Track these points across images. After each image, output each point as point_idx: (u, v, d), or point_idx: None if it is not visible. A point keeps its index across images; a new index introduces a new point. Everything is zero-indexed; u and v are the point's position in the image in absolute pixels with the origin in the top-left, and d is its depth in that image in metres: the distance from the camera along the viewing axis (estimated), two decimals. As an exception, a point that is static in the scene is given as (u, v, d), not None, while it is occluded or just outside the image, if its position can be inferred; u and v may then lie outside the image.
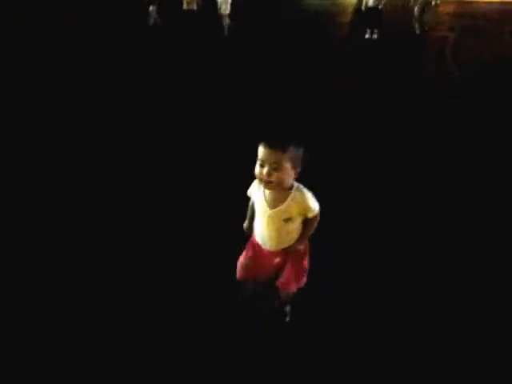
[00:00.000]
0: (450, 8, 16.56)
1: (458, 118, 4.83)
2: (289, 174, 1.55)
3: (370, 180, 3.50)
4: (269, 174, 1.52)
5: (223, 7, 10.45)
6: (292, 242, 1.76)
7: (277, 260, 1.83)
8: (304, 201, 1.64)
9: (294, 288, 1.91)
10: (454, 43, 9.66)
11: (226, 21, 10.51)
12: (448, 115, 4.97)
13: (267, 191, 1.65)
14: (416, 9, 10.36)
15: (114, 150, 4.01)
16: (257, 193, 1.71)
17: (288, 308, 2.06)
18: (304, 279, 1.90)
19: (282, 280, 1.89)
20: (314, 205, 1.67)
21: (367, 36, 9.89)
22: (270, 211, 1.65)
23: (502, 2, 19.51)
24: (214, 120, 4.81)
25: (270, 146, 1.51)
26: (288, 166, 1.52)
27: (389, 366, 1.83)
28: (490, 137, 4.36)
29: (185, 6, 10.55)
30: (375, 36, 9.86)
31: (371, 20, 9.69)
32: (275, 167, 1.51)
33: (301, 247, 1.80)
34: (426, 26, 10.43)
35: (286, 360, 1.87)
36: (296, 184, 1.65)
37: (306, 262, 1.88)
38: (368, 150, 4.07)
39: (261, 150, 1.53)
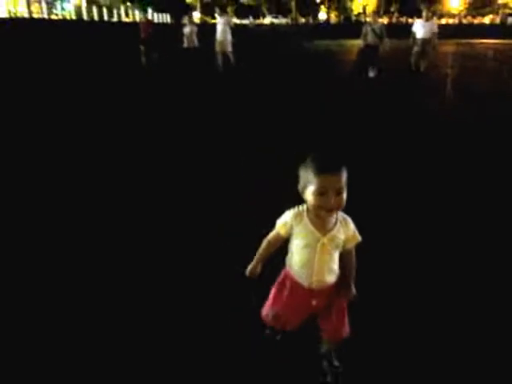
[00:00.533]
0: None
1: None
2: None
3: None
4: (335, 200, 1.44)
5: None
6: (334, 277, 1.66)
7: (314, 302, 1.68)
8: (350, 226, 1.59)
9: (343, 334, 1.73)
10: (453, 80, 10.28)
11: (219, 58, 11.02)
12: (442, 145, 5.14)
13: (315, 219, 1.55)
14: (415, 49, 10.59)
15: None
16: (300, 224, 1.58)
17: (337, 363, 1.84)
18: (346, 322, 1.73)
19: (328, 328, 1.74)
20: (357, 233, 1.62)
21: (371, 74, 10.40)
22: (324, 238, 1.55)
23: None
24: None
25: (331, 171, 1.43)
26: (345, 187, 1.47)
27: (388, 364, 1.83)
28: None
29: (185, 45, 11.49)
30: (372, 74, 10.35)
31: (371, 58, 10.27)
32: (338, 192, 1.44)
33: (347, 296, 1.69)
34: (422, 66, 10.62)
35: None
36: (340, 211, 1.58)
37: (345, 305, 1.73)
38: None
39: (320, 179, 1.43)
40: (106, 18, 35.13)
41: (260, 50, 18.56)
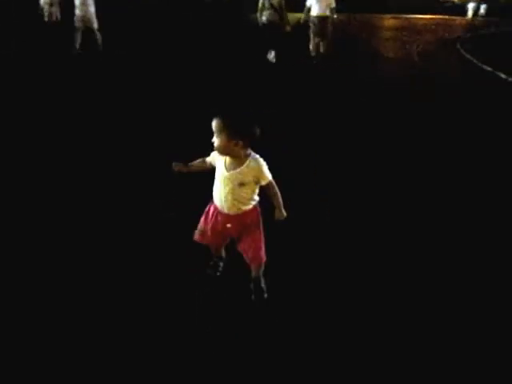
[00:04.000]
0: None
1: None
2: (230, 140, 1.79)
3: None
4: (215, 139, 1.84)
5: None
6: (244, 207, 1.96)
7: (229, 225, 2.01)
8: (257, 168, 1.87)
9: (260, 259, 2.07)
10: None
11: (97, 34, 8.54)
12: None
13: (228, 158, 1.89)
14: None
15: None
16: (219, 158, 1.93)
17: (263, 284, 2.17)
18: (263, 250, 2.06)
19: (245, 252, 2.08)
20: (267, 173, 1.90)
21: (270, 58, 8.51)
22: (227, 173, 1.88)
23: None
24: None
25: (217, 115, 1.81)
26: (228, 131, 1.78)
27: (388, 364, 1.81)
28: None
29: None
30: (272, 58, 8.48)
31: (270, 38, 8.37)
32: (217, 133, 1.81)
33: (254, 217, 2.00)
34: (322, 48, 8.87)
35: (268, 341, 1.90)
36: (253, 154, 1.89)
37: (260, 233, 2.06)
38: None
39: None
40: None
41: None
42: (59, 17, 9.08)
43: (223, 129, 1.78)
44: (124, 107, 5.44)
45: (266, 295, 2.15)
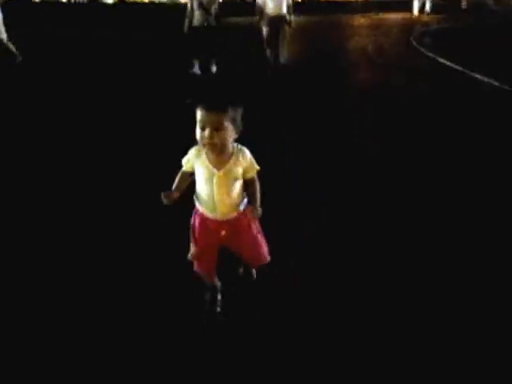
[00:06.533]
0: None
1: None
2: (230, 134, 1.58)
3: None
4: (211, 136, 1.53)
5: None
6: (238, 208, 1.75)
7: (223, 232, 1.78)
8: (246, 159, 1.68)
9: (261, 260, 1.92)
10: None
11: None
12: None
13: (210, 155, 1.64)
14: None
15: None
16: (198, 160, 1.69)
17: (254, 271, 2.11)
18: (266, 249, 1.90)
19: (245, 257, 1.95)
20: (255, 163, 1.72)
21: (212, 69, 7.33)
22: (219, 173, 1.64)
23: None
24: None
25: (210, 108, 1.53)
26: (229, 126, 1.56)
27: (388, 363, 1.77)
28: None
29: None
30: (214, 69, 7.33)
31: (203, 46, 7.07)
32: (217, 128, 1.53)
33: (248, 217, 1.79)
34: (282, 55, 7.96)
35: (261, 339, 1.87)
36: (236, 144, 1.68)
37: (258, 233, 1.87)
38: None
39: (200, 113, 1.55)
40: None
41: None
42: None
43: (226, 124, 1.54)
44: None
45: (254, 276, 2.11)
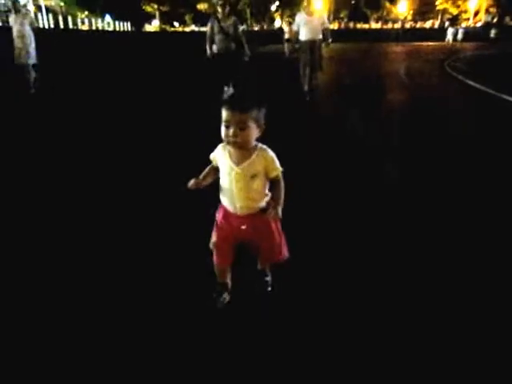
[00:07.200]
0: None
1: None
2: (253, 133, 1.65)
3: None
4: (235, 134, 1.61)
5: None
6: (257, 205, 1.79)
7: (243, 227, 1.83)
8: (267, 158, 1.72)
9: (278, 257, 1.93)
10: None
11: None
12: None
13: (232, 151, 1.72)
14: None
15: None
16: (222, 156, 1.77)
17: (269, 278, 2.11)
18: (285, 248, 1.93)
19: (261, 254, 1.97)
20: (277, 164, 1.74)
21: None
22: (237, 168, 1.72)
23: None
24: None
25: (233, 107, 1.60)
26: (253, 125, 1.62)
27: (388, 363, 1.74)
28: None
29: None
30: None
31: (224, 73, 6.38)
32: (241, 127, 1.61)
33: (271, 216, 1.72)
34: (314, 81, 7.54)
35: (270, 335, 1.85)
36: (260, 144, 1.73)
37: (279, 233, 1.90)
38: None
39: (225, 113, 1.62)
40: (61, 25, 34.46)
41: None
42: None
43: (250, 123, 1.61)
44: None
45: (269, 288, 2.08)
